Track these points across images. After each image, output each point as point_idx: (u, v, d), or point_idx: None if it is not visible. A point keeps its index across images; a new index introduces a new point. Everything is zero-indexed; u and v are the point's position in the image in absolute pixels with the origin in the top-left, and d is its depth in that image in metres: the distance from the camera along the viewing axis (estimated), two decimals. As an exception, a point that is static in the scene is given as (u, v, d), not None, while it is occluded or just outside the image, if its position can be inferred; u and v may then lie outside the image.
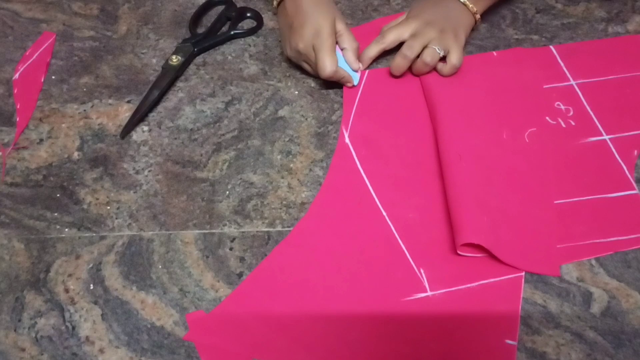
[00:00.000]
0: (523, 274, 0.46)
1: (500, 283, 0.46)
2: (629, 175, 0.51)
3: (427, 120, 0.56)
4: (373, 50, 0.58)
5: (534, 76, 0.59)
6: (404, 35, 0.56)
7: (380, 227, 0.49)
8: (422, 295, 0.45)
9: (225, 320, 0.45)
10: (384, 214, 0.50)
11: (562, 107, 0.56)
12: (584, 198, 0.50)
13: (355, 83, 0.58)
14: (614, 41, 0.62)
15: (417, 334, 0.44)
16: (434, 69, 0.58)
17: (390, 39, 0.57)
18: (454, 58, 0.56)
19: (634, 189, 0.50)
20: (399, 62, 0.57)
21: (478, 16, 0.59)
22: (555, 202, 0.50)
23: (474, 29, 0.61)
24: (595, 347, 0.43)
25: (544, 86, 0.57)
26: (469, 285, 0.46)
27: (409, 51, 0.56)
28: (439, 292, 0.45)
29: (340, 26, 0.57)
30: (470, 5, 0.58)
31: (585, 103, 0.56)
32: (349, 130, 0.56)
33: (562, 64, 0.60)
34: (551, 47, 0.62)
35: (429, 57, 0.55)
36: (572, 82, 0.58)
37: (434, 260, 0.47)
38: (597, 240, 0.48)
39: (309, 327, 0.44)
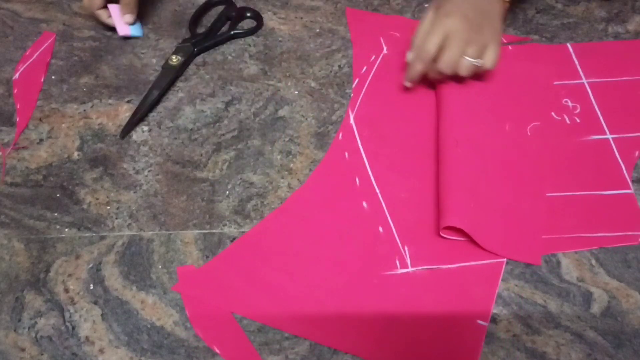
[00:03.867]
0: (504, 260, 0.47)
1: (481, 267, 0.47)
2: (627, 175, 0.51)
3: (433, 107, 0.57)
4: (418, 66, 0.54)
5: (545, 72, 0.59)
6: (441, 39, 0.52)
7: (372, 203, 0.51)
8: (403, 270, 0.47)
9: (213, 276, 0.47)
10: (378, 191, 0.52)
11: (570, 104, 0.57)
12: (577, 193, 0.51)
13: (131, 33, 0.64)
14: (632, 44, 0.62)
15: (393, 307, 0.45)
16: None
17: (431, 50, 0.52)
18: (488, 61, 0.53)
19: (629, 189, 0.50)
20: (435, 77, 0.55)
21: (507, 1, 0.55)
22: (548, 194, 0.50)
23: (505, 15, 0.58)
24: (595, 347, 0.43)
25: (555, 82, 0.58)
26: (449, 265, 0.47)
27: (446, 66, 0.52)
28: (419, 268, 0.47)
29: None
30: None
31: (593, 101, 0.57)
32: (355, 111, 0.57)
33: (576, 62, 0.60)
34: (568, 45, 0.62)
35: (464, 70, 0.53)
36: (584, 80, 0.59)
37: (419, 239, 0.49)
38: (583, 235, 0.48)
39: (290, 290, 0.46)
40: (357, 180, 0.52)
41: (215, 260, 0.48)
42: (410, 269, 0.47)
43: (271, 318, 0.45)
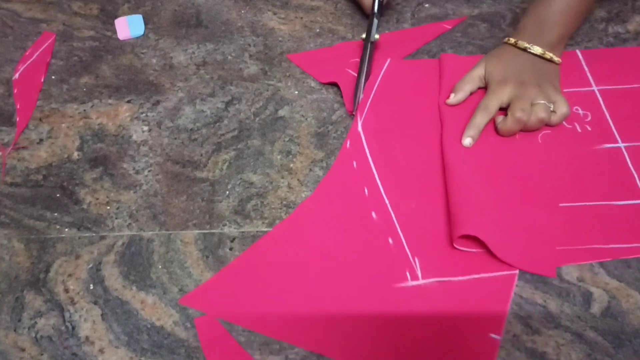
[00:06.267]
0: (517, 272, 0.46)
1: (493, 279, 0.46)
2: None
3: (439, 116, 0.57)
4: (483, 121, 0.53)
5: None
6: (504, 100, 0.53)
7: (381, 214, 0.50)
8: (414, 283, 0.46)
9: (220, 289, 0.46)
10: (387, 202, 0.51)
11: (581, 111, 0.56)
12: (590, 203, 0.50)
13: (131, 35, 0.65)
14: None
15: (403, 320, 0.44)
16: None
17: (494, 107, 0.53)
18: (564, 107, 0.53)
19: None
20: (513, 127, 0.52)
21: (558, 59, 0.55)
22: (561, 204, 0.49)
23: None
24: (595, 347, 0.43)
25: (564, 90, 0.56)
26: (461, 277, 0.46)
27: (523, 114, 0.51)
28: (430, 281, 0.46)
29: None
30: (549, 56, 0.54)
31: (604, 109, 0.56)
32: (362, 119, 0.56)
33: (586, 69, 0.59)
34: (577, 51, 0.61)
35: (543, 112, 0.52)
36: (594, 87, 0.58)
37: (430, 250, 0.48)
38: (598, 246, 0.47)
39: (298, 303, 0.46)
40: (365, 190, 0.52)
41: (222, 273, 0.47)
42: (420, 281, 0.46)
43: (280, 332, 0.44)
